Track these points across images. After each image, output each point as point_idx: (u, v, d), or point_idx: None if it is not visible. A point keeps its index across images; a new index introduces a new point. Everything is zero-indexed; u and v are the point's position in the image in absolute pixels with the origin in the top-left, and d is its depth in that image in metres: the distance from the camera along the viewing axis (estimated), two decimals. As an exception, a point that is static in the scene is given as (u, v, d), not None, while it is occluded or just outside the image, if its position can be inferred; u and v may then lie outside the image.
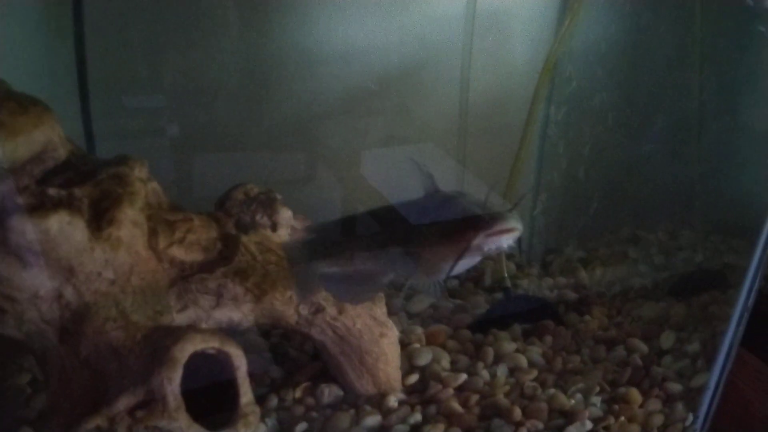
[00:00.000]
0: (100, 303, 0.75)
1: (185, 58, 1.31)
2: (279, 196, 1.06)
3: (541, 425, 1.01)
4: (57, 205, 0.71)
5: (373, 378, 1.06)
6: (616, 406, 1.06)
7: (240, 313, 0.94)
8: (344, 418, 1.01)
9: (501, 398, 1.05)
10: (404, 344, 1.13)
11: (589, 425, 1.02)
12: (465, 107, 1.42)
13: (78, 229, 0.72)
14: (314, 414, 1.03)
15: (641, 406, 1.08)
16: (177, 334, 0.76)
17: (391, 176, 1.32)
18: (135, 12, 1.19)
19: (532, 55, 1.36)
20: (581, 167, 1.48)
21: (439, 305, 1.25)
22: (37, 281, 0.72)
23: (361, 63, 1.43)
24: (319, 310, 1.00)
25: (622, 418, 1.04)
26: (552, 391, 1.08)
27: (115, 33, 1.20)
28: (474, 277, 1.34)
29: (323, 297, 1.02)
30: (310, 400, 1.05)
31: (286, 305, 0.98)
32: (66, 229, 0.71)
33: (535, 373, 1.12)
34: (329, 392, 1.07)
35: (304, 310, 1.00)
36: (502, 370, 1.11)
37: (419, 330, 1.18)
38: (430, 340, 1.16)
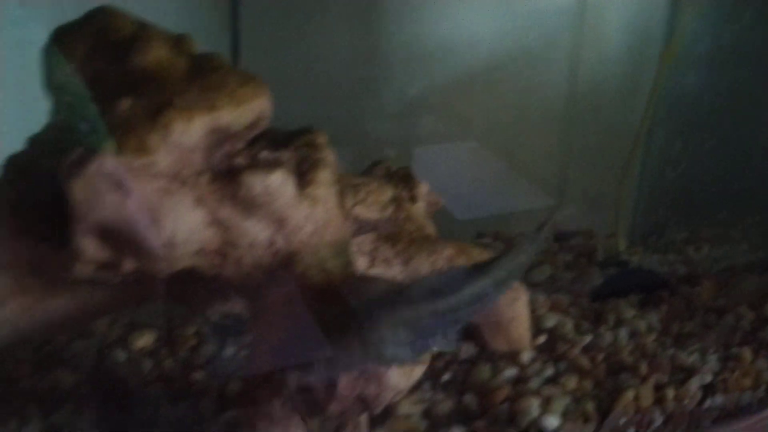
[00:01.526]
0: (303, 252, 0.87)
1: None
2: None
3: (665, 378, 1.10)
4: (272, 165, 0.84)
5: (506, 337, 1.17)
6: (730, 363, 1.15)
7: (390, 274, 1.05)
8: (484, 370, 1.12)
9: (625, 356, 1.15)
10: (530, 310, 1.24)
11: (708, 378, 1.12)
12: (573, 97, 1.52)
13: (290, 186, 0.85)
14: (454, 367, 1.14)
15: (752, 363, 1.17)
16: (366, 279, 0.88)
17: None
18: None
19: (641, 47, 1.46)
20: (683, 156, 1.57)
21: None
22: (256, 230, 0.84)
23: (471, 53, 1.55)
24: (460, 273, 1.11)
25: (737, 373, 1.13)
26: (671, 351, 1.17)
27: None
28: (587, 252, 1.44)
29: (462, 261, 1.13)
30: (448, 356, 1.16)
31: (429, 270, 1.09)
32: (282, 185, 0.83)
33: (654, 336, 1.21)
34: (465, 349, 1.17)
35: (447, 273, 1.11)
36: (623, 333, 1.21)
37: (542, 298, 1.28)
38: (554, 307, 1.26)
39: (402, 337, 0.82)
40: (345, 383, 0.86)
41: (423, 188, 1.16)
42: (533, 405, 1.01)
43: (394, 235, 1.05)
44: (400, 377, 0.88)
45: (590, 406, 1.03)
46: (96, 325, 1.21)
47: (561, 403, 1.03)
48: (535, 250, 0.99)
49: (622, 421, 1.04)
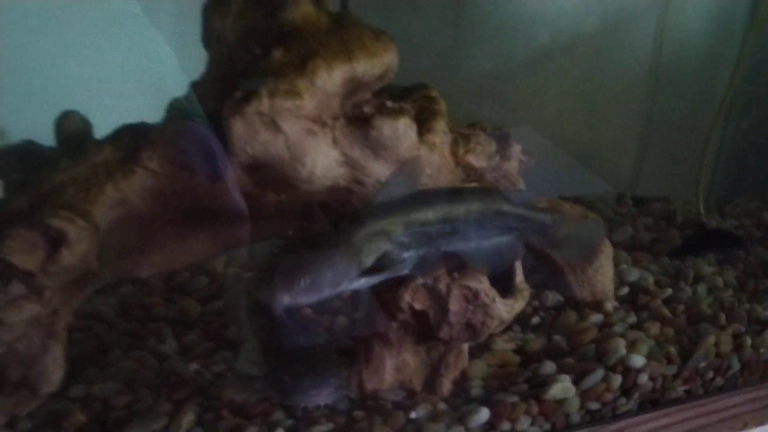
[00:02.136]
0: (421, 191, 0.97)
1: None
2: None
3: (743, 329, 1.18)
4: (399, 112, 0.94)
5: (591, 287, 1.25)
6: (806, 318, 1.22)
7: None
8: (571, 316, 1.21)
9: (704, 308, 1.22)
10: (614, 264, 1.32)
11: (783, 329, 1.19)
12: (656, 69, 1.58)
13: (413, 132, 0.95)
14: (541, 313, 1.23)
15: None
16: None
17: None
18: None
19: (726, 22, 1.51)
20: (755, 128, 1.63)
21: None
22: (381, 170, 0.95)
23: (554, 26, 1.62)
24: (550, 225, 1.20)
25: (813, 326, 1.20)
26: (747, 305, 1.24)
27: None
28: (666, 216, 1.52)
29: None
30: (535, 303, 1.25)
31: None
32: (407, 130, 0.94)
33: (731, 291, 1.29)
34: (552, 297, 1.26)
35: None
36: (702, 288, 1.28)
37: (624, 254, 1.36)
38: (636, 263, 1.34)
39: (379, 248, 0.87)
40: (456, 310, 0.96)
41: (516, 147, 1.24)
42: (620, 345, 1.09)
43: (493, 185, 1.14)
44: (505, 308, 0.98)
45: (673, 350, 1.11)
46: (212, 265, 1.34)
47: (645, 345, 1.11)
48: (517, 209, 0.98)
49: (703, 364, 1.12)
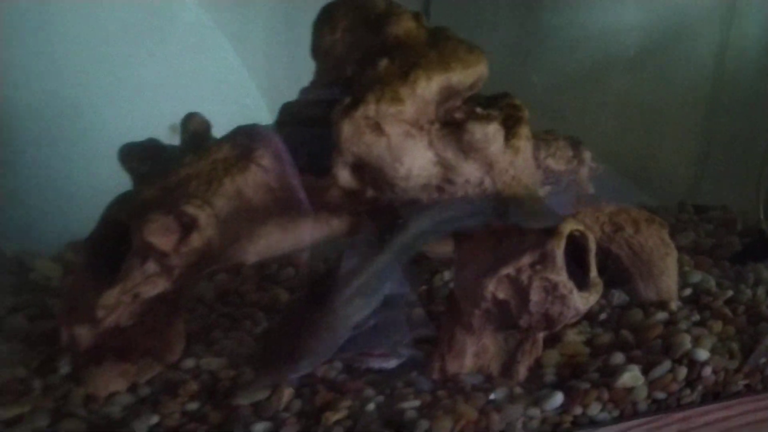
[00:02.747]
0: (505, 191, 1.06)
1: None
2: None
3: (801, 329, 1.24)
4: (489, 118, 1.03)
5: (656, 288, 1.32)
6: None
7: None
8: (636, 313, 1.28)
9: (764, 309, 1.29)
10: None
11: (843, 334, 1.25)
12: (717, 82, 1.65)
13: (500, 136, 1.04)
14: (608, 311, 1.31)
15: None
16: (558, 218, 1.06)
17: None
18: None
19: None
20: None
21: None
22: (471, 170, 1.04)
23: (618, 39, 1.70)
24: (619, 228, 1.28)
25: None
26: (807, 309, 1.31)
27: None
28: (726, 223, 1.58)
29: (623, 218, 1.30)
30: (602, 301, 1.33)
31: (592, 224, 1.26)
32: (496, 134, 1.03)
33: (790, 295, 1.35)
34: (618, 296, 1.34)
35: (607, 228, 1.28)
36: (761, 291, 1.35)
37: (686, 258, 1.43)
38: (698, 266, 1.41)
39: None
40: (536, 300, 1.05)
41: (587, 154, 1.33)
42: (686, 339, 1.17)
43: (565, 190, 1.23)
44: (581, 300, 1.06)
45: (735, 346, 1.18)
46: (299, 258, 1.45)
47: (709, 341, 1.18)
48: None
49: (762, 360, 1.19)
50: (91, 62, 1.42)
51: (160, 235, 0.94)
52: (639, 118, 1.78)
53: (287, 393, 1.05)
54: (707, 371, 1.14)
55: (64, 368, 1.05)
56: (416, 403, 1.05)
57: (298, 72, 1.11)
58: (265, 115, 1.33)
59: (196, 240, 0.95)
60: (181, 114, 1.11)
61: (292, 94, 1.11)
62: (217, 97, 1.53)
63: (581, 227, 1.07)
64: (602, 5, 1.70)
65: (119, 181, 1.09)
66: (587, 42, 1.72)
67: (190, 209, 0.94)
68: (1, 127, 1.38)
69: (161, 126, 1.17)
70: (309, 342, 1.07)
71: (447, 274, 1.40)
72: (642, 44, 1.71)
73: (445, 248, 1.29)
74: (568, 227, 1.05)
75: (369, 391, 1.08)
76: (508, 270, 1.03)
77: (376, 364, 1.12)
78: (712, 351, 1.16)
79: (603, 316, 1.28)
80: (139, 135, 1.12)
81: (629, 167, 1.76)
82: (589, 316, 1.29)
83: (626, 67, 1.73)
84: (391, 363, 1.13)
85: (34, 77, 1.38)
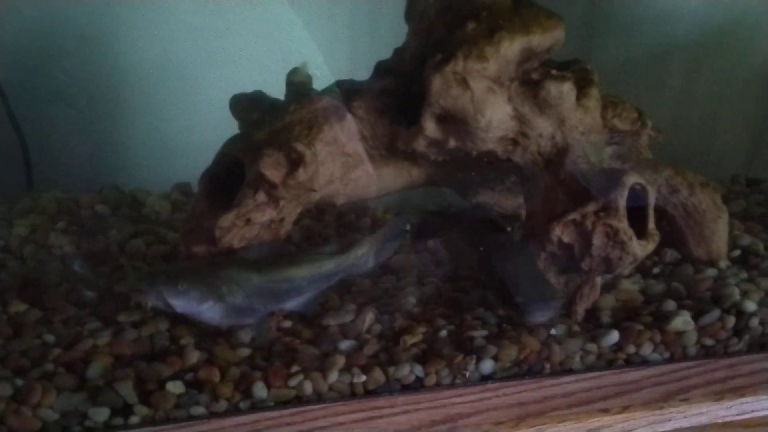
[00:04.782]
0: (575, 145, 1.18)
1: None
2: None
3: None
4: (563, 78, 1.14)
5: (707, 247, 1.41)
6: None
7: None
8: (687, 268, 1.38)
9: (811, 271, 1.38)
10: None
11: None
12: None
13: (573, 95, 1.15)
14: (660, 266, 1.41)
15: None
16: (621, 171, 1.17)
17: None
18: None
19: None
20: None
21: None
22: (545, 125, 1.16)
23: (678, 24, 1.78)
24: (675, 190, 1.38)
25: None
26: None
27: None
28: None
29: (679, 181, 1.40)
30: (654, 258, 1.43)
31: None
32: (569, 93, 1.14)
33: (835, 263, 1.43)
34: (670, 254, 1.43)
35: (663, 189, 1.38)
36: (808, 255, 1.44)
37: (737, 223, 1.52)
38: (747, 231, 1.50)
39: None
40: (598, 244, 1.16)
41: (648, 122, 1.42)
42: (735, 291, 1.26)
43: (628, 150, 1.33)
44: (639, 247, 1.17)
45: (781, 303, 1.28)
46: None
47: (756, 295, 1.27)
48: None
49: (807, 316, 1.28)
50: (196, 38, 1.60)
51: (272, 168, 1.07)
52: (700, 100, 1.86)
53: (368, 318, 1.19)
54: (755, 322, 1.24)
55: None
56: (483, 332, 1.17)
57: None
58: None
59: (301, 174, 1.09)
60: (262, 80, 1.25)
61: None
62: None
63: (642, 181, 1.18)
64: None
65: (217, 134, 1.23)
66: (653, 24, 1.80)
67: (299, 146, 1.08)
68: (123, 86, 1.58)
69: (248, 87, 1.31)
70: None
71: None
72: (704, 27, 1.79)
73: (513, 202, 1.42)
74: (631, 179, 1.15)
75: (440, 321, 1.20)
76: (574, 216, 1.15)
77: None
78: (760, 303, 1.26)
79: (656, 270, 1.39)
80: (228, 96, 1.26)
81: (687, 143, 1.84)
82: (643, 270, 1.39)
83: (689, 49, 1.81)
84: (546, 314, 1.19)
85: (151, 47, 1.58)
